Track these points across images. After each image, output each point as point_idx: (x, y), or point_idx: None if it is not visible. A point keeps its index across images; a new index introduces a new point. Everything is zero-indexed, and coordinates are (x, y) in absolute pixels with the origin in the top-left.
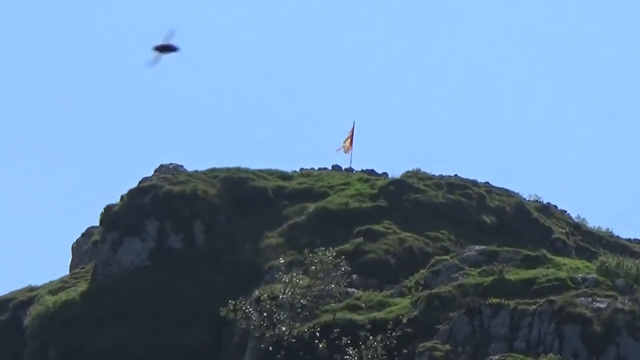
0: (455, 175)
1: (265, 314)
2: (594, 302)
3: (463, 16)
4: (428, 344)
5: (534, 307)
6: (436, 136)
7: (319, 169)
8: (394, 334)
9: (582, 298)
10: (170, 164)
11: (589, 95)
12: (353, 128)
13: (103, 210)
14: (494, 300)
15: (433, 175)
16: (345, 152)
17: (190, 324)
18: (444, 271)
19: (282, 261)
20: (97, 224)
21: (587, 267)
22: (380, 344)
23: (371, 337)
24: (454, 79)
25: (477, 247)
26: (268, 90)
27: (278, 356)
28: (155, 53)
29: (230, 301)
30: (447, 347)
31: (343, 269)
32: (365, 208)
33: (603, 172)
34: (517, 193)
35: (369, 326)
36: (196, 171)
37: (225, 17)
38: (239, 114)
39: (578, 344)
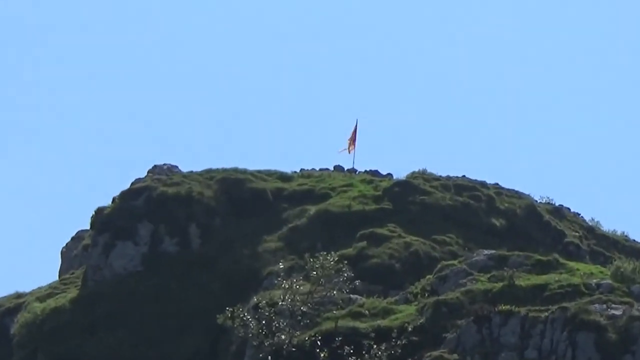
0: (463, 176)
1: (264, 322)
2: (608, 309)
3: (474, 12)
4: (435, 353)
5: (546, 314)
6: (443, 135)
7: (320, 169)
8: (399, 342)
9: (597, 305)
10: (164, 164)
11: (603, 93)
12: (356, 126)
13: (94, 213)
14: (503, 307)
15: (440, 176)
16: (349, 152)
17: (185, 332)
18: (451, 277)
19: (281, 266)
20: (88, 227)
21: (601, 272)
22: (384, 354)
23: (375, 346)
24: (461, 75)
25: (486, 252)
26: (267, 87)
27: None
28: None
29: (227, 308)
30: (455, 356)
31: (345, 274)
32: (368, 211)
33: (618, 173)
34: (528, 195)
35: (372, 334)
36: (191, 172)
37: (225, 13)
38: (237, 111)
39: (592, 352)
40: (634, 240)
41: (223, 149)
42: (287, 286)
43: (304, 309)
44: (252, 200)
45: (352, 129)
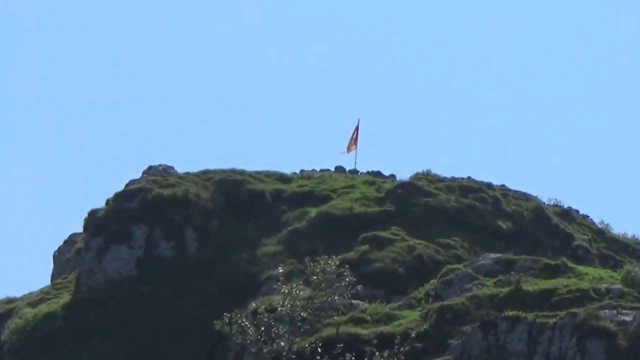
0: (469, 177)
1: (262, 328)
2: (619, 315)
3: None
4: None
5: (554, 320)
6: (448, 135)
7: (321, 170)
8: (402, 349)
9: (607, 310)
10: (160, 165)
11: (613, 92)
12: (357, 126)
13: (87, 216)
14: (510, 313)
15: (445, 177)
16: (349, 152)
17: (182, 339)
18: (456, 281)
19: (281, 271)
20: (81, 230)
21: (611, 277)
22: None
23: (377, 353)
24: (467, 73)
25: (493, 255)
26: (266, 85)
27: None
28: None
29: (224, 314)
30: None
31: (347, 279)
32: (371, 213)
33: (628, 174)
34: (536, 197)
35: (375, 341)
36: (188, 173)
37: (223, 11)
38: (235, 110)
39: None
40: None
41: (220, 149)
42: (286, 291)
43: (304, 315)
44: (251, 202)
45: (354, 129)
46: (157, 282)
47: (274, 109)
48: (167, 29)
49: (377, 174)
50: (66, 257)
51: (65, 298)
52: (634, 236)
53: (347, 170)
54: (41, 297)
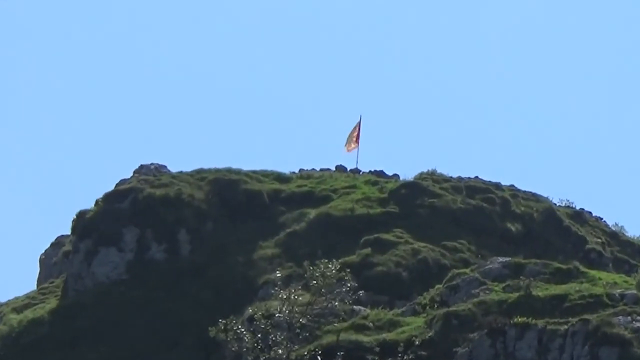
0: (476, 177)
1: (259, 335)
2: (633, 322)
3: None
4: None
5: (566, 327)
6: (454, 133)
7: (321, 169)
8: (405, 357)
9: (620, 317)
10: (152, 164)
11: (626, 90)
12: (359, 123)
13: (75, 217)
14: (519, 320)
15: (451, 177)
16: (350, 150)
17: (174, 346)
18: (463, 286)
19: (278, 275)
20: (69, 232)
21: (625, 281)
22: None
23: None
24: (473, 69)
25: (501, 259)
26: (263, 81)
27: None
28: None
29: (219, 320)
30: None
31: (348, 284)
32: (373, 214)
33: None
34: (547, 197)
35: (377, 349)
36: (181, 172)
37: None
38: (230, 107)
39: None
40: None
41: (215, 147)
42: (284, 296)
43: (303, 321)
44: (247, 203)
45: (355, 125)
46: (149, 286)
47: (271, 105)
48: (159, 25)
49: (380, 173)
50: (53, 260)
51: (52, 303)
52: None
53: (348, 169)
54: (27, 302)
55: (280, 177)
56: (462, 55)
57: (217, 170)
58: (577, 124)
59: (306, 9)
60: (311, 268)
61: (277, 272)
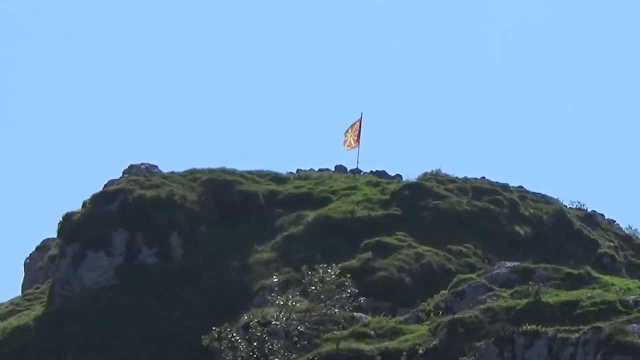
0: (483, 177)
1: (255, 343)
2: None
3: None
4: None
5: (577, 335)
6: (459, 131)
7: (320, 170)
8: None
9: (634, 325)
10: (142, 163)
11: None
12: (360, 121)
13: (61, 219)
14: (528, 327)
15: (456, 177)
16: (350, 148)
17: (165, 355)
18: (469, 292)
19: (275, 280)
20: (55, 235)
21: (639, 287)
22: None
23: None
24: (479, 66)
25: (509, 264)
26: (258, 78)
27: None
28: None
29: (213, 328)
30: None
31: (348, 289)
32: (374, 217)
33: None
34: (557, 199)
35: (378, 358)
36: (173, 172)
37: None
38: (224, 105)
39: None
40: None
41: (209, 147)
42: (281, 303)
43: (301, 329)
44: (242, 204)
45: (355, 123)
46: (139, 292)
47: (267, 102)
48: (150, 21)
49: (382, 173)
50: (39, 264)
51: (38, 310)
52: None
53: (348, 169)
54: (11, 308)
55: (277, 178)
56: (468, 48)
57: (211, 171)
58: (589, 122)
59: (301, 3)
60: (309, 273)
61: (274, 277)
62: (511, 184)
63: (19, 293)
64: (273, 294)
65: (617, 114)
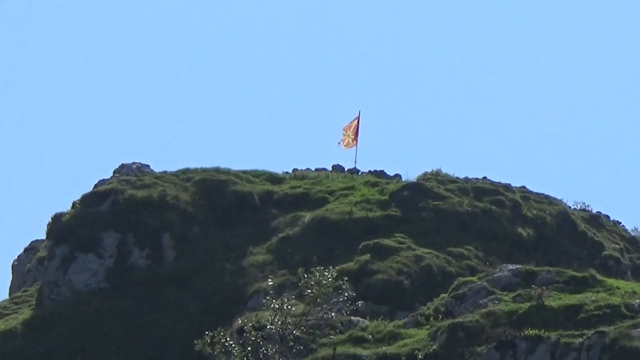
0: (484, 177)
1: (249, 348)
2: None
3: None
4: None
5: (581, 340)
6: (460, 130)
7: (316, 169)
8: None
9: None
10: (133, 163)
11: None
12: (358, 118)
13: (50, 220)
14: (531, 332)
15: (457, 177)
16: (347, 147)
17: None
18: (470, 296)
19: (270, 283)
20: (43, 236)
21: None
22: None
23: None
24: (481, 64)
25: (511, 267)
26: (253, 76)
27: None
28: None
29: (206, 332)
30: None
31: (346, 293)
32: (373, 218)
33: None
34: (560, 200)
35: None
36: (165, 172)
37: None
38: (218, 103)
39: None
40: None
41: (202, 145)
42: (277, 306)
43: (297, 333)
44: (236, 205)
45: (353, 121)
46: (130, 296)
47: (262, 100)
48: (142, 20)
49: (380, 173)
50: (27, 267)
51: (26, 314)
52: None
53: (346, 169)
54: None
55: (272, 178)
56: (469, 46)
57: (204, 170)
58: (593, 121)
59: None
60: (306, 276)
61: (269, 280)
62: (513, 184)
63: (7, 296)
64: (268, 297)
65: (623, 111)
